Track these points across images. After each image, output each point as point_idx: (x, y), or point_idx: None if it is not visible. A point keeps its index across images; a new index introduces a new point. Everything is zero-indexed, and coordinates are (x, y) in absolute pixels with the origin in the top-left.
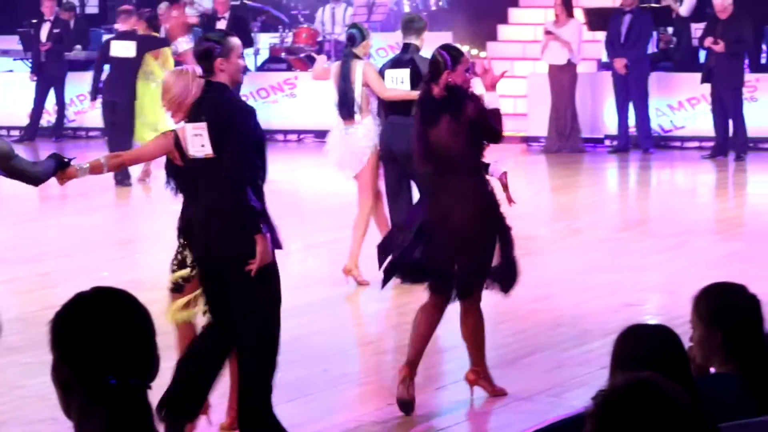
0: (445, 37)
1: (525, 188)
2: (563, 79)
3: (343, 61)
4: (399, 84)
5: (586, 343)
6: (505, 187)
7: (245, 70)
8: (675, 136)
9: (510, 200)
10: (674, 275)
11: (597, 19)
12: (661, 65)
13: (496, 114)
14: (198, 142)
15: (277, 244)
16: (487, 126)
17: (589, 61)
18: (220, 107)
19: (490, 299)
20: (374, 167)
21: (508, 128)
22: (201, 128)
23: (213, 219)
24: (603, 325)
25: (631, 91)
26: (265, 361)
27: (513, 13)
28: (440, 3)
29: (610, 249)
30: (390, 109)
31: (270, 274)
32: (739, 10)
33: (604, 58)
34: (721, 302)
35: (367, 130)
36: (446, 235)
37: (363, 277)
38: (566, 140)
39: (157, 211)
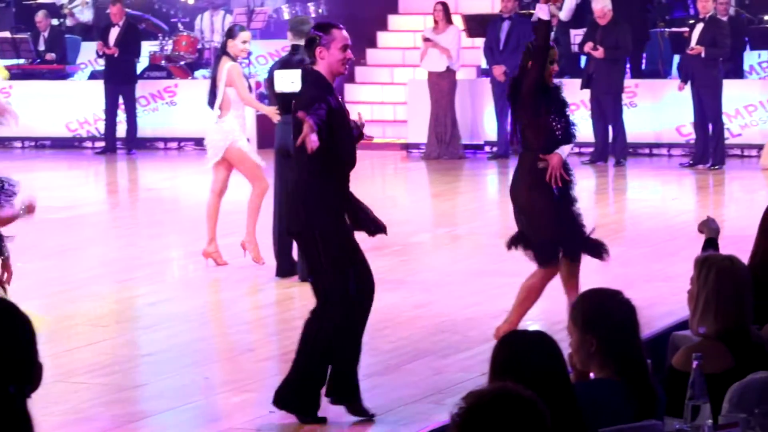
0: None
1: (405, 195)
2: (443, 85)
3: (215, 55)
4: (290, 84)
5: (468, 349)
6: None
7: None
8: None
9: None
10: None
11: (476, 25)
12: None
13: (541, 27)
14: None
15: (362, 225)
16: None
17: (468, 67)
18: (298, 94)
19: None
20: (242, 159)
21: (388, 135)
22: None
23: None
24: (484, 331)
25: None
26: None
27: (392, 19)
28: (320, 10)
29: (491, 255)
30: (281, 108)
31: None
32: (618, 16)
33: (484, 65)
34: (595, 309)
35: (223, 128)
36: (514, 207)
37: (223, 259)
38: (446, 147)
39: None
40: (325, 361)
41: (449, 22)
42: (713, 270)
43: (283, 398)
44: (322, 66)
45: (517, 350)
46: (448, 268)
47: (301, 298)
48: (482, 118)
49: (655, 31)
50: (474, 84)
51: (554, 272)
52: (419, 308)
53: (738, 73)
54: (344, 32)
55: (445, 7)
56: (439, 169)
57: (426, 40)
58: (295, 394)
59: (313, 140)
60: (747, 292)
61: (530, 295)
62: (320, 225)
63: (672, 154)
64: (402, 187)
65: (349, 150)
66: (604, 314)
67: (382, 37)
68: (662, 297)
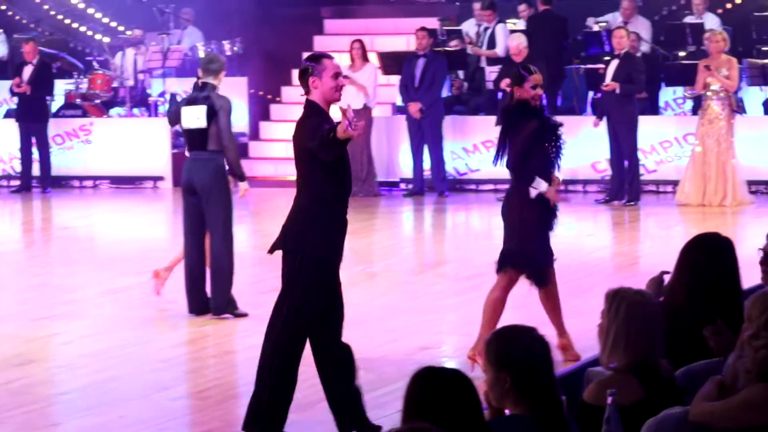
0: (240, 83)
1: None
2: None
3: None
4: (196, 120)
5: (383, 386)
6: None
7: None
8: (470, 179)
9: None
10: (470, 317)
11: (391, 63)
12: (455, 108)
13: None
14: None
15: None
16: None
17: (383, 105)
18: (296, 125)
19: None
20: None
21: None
22: None
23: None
24: (400, 369)
25: (426, 135)
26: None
27: None
28: (235, 48)
29: (407, 292)
30: (188, 144)
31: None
32: (534, 53)
33: (399, 102)
34: (509, 346)
35: None
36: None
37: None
38: (362, 184)
39: None
40: (287, 382)
41: (366, 59)
42: (624, 303)
43: (249, 421)
44: (316, 95)
45: (431, 387)
46: (364, 305)
47: (216, 335)
48: (398, 155)
49: (570, 67)
50: (390, 121)
51: (513, 281)
52: None
53: (653, 109)
54: (334, 61)
55: (362, 45)
56: (354, 206)
57: (343, 77)
58: (261, 416)
59: (356, 126)
60: (657, 326)
61: (496, 308)
62: (310, 252)
63: (587, 190)
64: None
65: (348, 175)
66: (518, 351)
67: (297, 74)
68: (577, 333)
